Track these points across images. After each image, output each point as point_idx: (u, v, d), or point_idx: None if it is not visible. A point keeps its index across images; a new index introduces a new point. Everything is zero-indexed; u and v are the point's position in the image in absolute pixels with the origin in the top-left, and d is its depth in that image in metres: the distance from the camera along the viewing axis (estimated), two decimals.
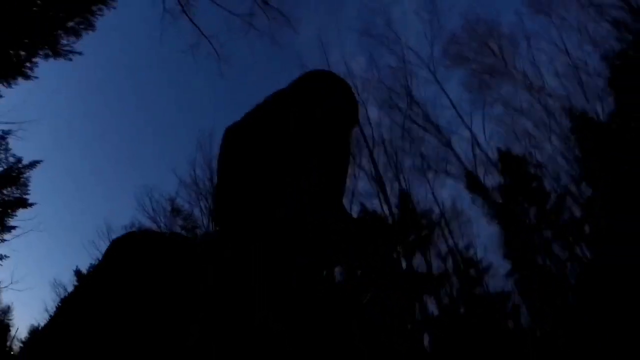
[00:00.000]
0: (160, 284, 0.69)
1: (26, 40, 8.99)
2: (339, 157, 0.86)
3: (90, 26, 9.46)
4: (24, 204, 12.97)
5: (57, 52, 9.38)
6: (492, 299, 13.75)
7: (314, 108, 0.83)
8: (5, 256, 11.89)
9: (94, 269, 0.78)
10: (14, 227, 12.56)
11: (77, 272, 19.54)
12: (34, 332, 19.79)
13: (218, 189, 0.85)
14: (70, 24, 9.19)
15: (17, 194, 12.82)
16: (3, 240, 12.05)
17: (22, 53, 9.10)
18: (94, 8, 9.27)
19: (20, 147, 12.92)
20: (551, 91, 15.71)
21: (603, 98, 13.08)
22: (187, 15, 10.53)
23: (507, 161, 15.29)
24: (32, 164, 12.73)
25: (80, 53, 9.49)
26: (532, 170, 14.95)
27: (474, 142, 16.70)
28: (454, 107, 17.17)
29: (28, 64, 9.29)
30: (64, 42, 9.32)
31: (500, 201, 14.69)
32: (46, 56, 9.32)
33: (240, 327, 0.65)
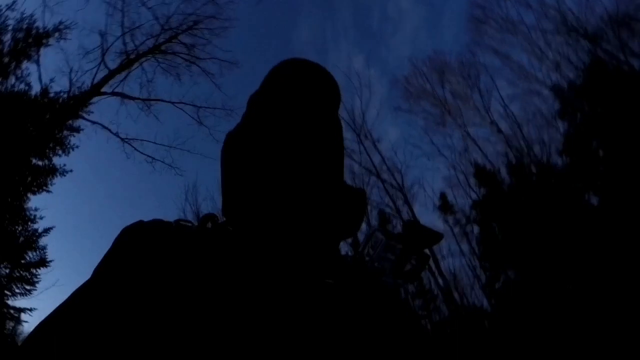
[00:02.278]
0: (166, 274, 0.67)
1: None
2: (331, 140, 0.84)
3: None
4: (44, 263, 14.46)
5: None
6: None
7: (293, 99, 0.80)
8: (34, 308, 13.54)
9: (103, 258, 0.74)
10: (37, 282, 14.08)
11: None
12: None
13: (223, 188, 0.84)
14: None
15: (37, 256, 14.26)
16: (30, 292, 13.49)
17: None
18: None
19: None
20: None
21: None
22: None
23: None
24: (46, 230, 14.02)
25: None
26: None
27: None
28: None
29: None
30: None
31: None
32: None
33: (243, 321, 0.63)
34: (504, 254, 14.48)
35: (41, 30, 10.30)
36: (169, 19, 11.64)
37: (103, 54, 10.67)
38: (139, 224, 0.78)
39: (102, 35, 10.48)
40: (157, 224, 0.78)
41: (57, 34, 10.58)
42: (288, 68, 0.84)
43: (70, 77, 10.60)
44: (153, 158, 10.74)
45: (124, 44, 10.73)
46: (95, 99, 10.82)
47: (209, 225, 0.82)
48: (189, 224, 0.81)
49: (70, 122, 10.33)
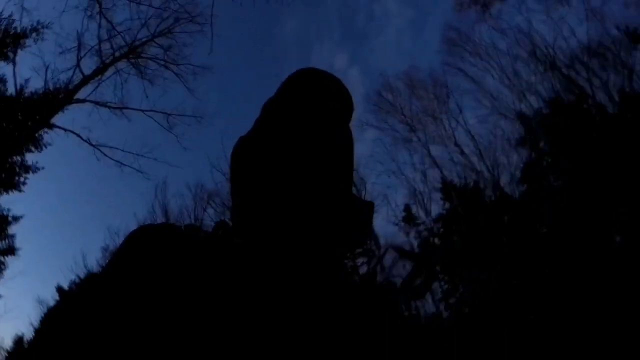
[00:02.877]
0: (172, 277, 0.67)
1: None
2: (342, 152, 0.83)
3: None
4: (12, 251, 14.84)
5: None
6: None
7: (308, 109, 0.82)
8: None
9: (109, 259, 0.74)
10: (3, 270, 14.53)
11: (59, 289, 20.89)
12: (20, 339, 21.18)
13: (231, 192, 0.84)
14: None
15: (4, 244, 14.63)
16: None
17: None
18: None
19: None
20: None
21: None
22: None
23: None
24: (15, 218, 14.33)
25: None
26: None
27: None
28: None
29: None
30: None
31: None
32: None
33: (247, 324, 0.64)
34: (462, 268, 15.20)
35: (19, 31, 10.57)
36: (146, 22, 11.85)
37: (78, 60, 10.94)
38: (148, 227, 0.78)
39: (78, 39, 10.69)
40: (166, 227, 0.79)
41: (34, 34, 10.85)
42: (304, 77, 0.87)
43: (46, 79, 10.90)
44: (121, 163, 11.15)
45: (99, 48, 10.96)
46: (68, 106, 11.16)
47: (220, 232, 0.82)
48: (198, 230, 0.81)
49: (44, 130, 10.65)
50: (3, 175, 10.61)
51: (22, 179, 11.13)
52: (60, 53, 11.08)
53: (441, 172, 17.04)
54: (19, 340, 21.82)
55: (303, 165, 0.77)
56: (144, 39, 11.99)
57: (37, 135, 10.59)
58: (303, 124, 0.80)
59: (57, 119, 11.06)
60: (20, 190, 11.28)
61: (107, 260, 0.76)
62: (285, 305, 0.67)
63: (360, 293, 0.78)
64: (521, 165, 14.11)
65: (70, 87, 11.14)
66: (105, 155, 11.00)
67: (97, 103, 11.36)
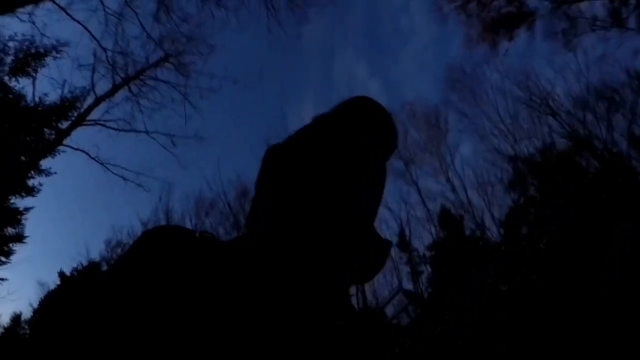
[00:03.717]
0: (183, 281, 0.67)
1: None
2: (377, 183, 0.83)
3: None
4: (20, 239, 15.78)
5: None
6: None
7: (357, 134, 0.82)
8: (5, 279, 15.02)
9: (121, 257, 0.74)
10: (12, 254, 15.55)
11: (61, 274, 21.88)
12: (18, 317, 22.29)
13: (254, 199, 0.83)
14: None
15: (14, 232, 15.57)
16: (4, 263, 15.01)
17: None
18: None
19: None
20: None
21: None
22: None
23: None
24: (27, 209, 15.27)
25: None
26: None
27: None
28: None
29: None
30: None
31: None
32: None
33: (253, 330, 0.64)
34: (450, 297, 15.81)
35: (41, 50, 11.47)
36: (160, 42, 12.64)
37: (93, 82, 11.82)
38: (162, 229, 0.77)
39: (94, 63, 11.52)
40: (179, 230, 0.77)
41: (54, 53, 11.76)
42: (360, 105, 0.90)
43: (62, 95, 11.85)
44: (124, 179, 12.34)
45: (113, 70, 11.77)
46: (79, 128, 12.18)
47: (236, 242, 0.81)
48: (212, 237, 0.81)
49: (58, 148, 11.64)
50: (17, 181, 11.55)
51: (36, 183, 12.28)
52: (79, 66, 11.92)
53: (426, 208, 17.65)
54: (16, 318, 23.00)
55: (333, 190, 0.76)
56: (154, 62, 12.86)
57: (53, 150, 11.59)
58: (344, 150, 0.80)
59: (68, 140, 12.14)
60: (33, 195, 12.36)
61: (121, 254, 0.75)
62: (286, 321, 0.66)
63: (361, 323, 0.77)
64: (508, 208, 14.66)
65: (83, 109, 12.23)
66: (110, 170, 11.92)
67: (105, 125, 12.39)
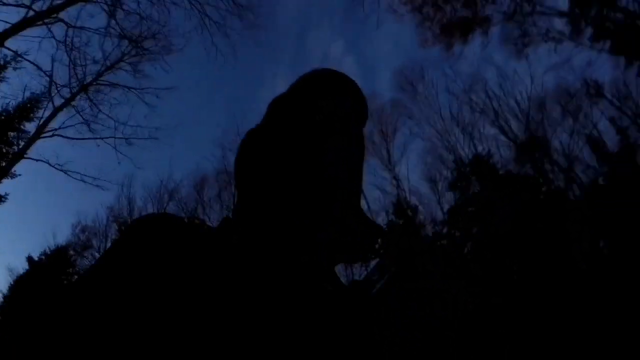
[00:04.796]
0: (173, 269, 0.65)
1: None
2: (351, 154, 0.80)
3: None
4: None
5: None
6: None
7: (319, 111, 0.79)
8: None
9: (110, 247, 0.72)
10: None
11: (29, 259, 22.27)
12: None
13: (236, 186, 0.82)
14: None
15: None
16: None
17: None
18: None
19: None
20: None
21: None
22: None
23: None
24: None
25: None
26: None
27: None
28: None
29: None
30: None
31: None
32: None
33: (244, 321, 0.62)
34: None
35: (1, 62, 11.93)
36: (118, 45, 13.20)
37: (50, 93, 12.65)
38: (150, 217, 0.75)
39: (51, 73, 12.06)
40: (168, 218, 0.75)
41: (13, 63, 12.29)
42: (318, 77, 0.85)
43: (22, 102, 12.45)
44: (84, 181, 13.29)
45: (69, 79, 12.36)
46: (38, 141, 13.01)
47: (224, 228, 0.80)
48: (201, 223, 0.80)
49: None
50: None
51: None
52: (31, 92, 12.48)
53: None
54: None
55: (310, 168, 0.75)
56: (110, 64, 13.59)
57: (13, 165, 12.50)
58: (313, 125, 0.78)
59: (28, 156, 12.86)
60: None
61: (109, 246, 0.73)
62: (275, 308, 0.65)
63: (348, 302, 0.75)
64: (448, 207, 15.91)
65: (41, 120, 13.06)
66: (71, 176, 12.86)
67: (62, 136, 13.28)
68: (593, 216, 13.65)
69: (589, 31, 15.07)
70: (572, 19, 15.39)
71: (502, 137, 16.88)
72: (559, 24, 16.04)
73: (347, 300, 0.75)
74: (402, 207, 18.49)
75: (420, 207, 17.31)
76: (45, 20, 10.78)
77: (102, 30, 12.31)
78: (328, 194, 0.76)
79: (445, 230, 15.75)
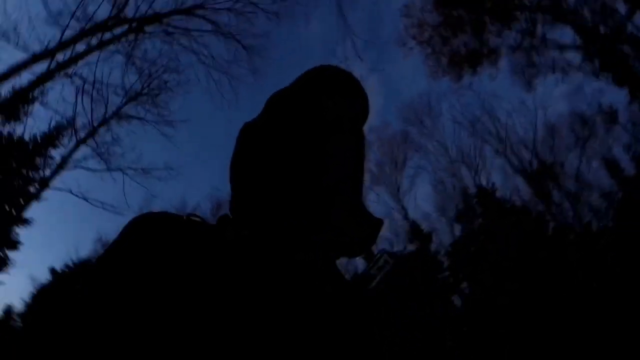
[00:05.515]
0: (169, 269, 0.65)
1: None
2: (352, 154, 0.81)
3: None
4: (15, 245, 17.28)
5: None
6: None
7: (327, 110, 0.78)
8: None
9: (109, 247, 0.72)
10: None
11: (52, 270, 23.31)
12: (9, 308, 23.75)
13: (232, 182, 0.81)
14: None
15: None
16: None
17: None
18: None
19: None
20: None
21: None
22: None
23: None
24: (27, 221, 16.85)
25: None
26: None
27: None
28: None
29: None
30: None
31: None
32: None
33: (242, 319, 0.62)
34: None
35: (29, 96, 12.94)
36: (132, 85, 14.13)
37: (75, 126, 13.63)
38: (149, 215, 0.76)
39: (74, 109, 13.00)
40: (166, 216, 0.76)
41: (40, 97, 13.24)
42: (324, 75, 0.83)
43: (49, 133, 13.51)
44: (104, 208, 14.25)
45: (91, 113, 13.30)
46: (63, 172, 14.23)
47: (222, 225, 0.79)
48: (199, 220, 0.79)
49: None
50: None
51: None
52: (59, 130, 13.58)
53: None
54: (7, 310, 24.45)
55: (311, 169, 0.74)
56: (129, 97, 14.47)
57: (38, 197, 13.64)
58: (320, 124, 0.77)
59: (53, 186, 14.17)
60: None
61: (108, 245, 0.73)
62: (279, 304, 0.64)
63: (350, 295, 0.75)
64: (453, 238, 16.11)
65: (66, 153, 14.31)
66: (92, 204, 13.95)
67: (84, 168, 14.63)
68: (596, 253, 13.68)
69: (597, 62, 15.22)
70: (582, 51, 15.58)
71: (510, 168, 17.05)
72: (568, 55, 16.04)
73: (342, 300, 0.73)
74: (417, 232, 18.65)
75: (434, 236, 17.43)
76: (67, 71, 11.77)
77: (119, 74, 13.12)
78: (328, 199, 0.75)
79: (446, 264, 15.96)
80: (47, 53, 11.08)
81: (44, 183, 13.83)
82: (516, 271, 13.75)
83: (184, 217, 0.78)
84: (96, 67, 12.22)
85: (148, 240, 0.71)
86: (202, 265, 0.67)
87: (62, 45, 11.19)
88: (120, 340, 0.60)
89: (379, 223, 0.83)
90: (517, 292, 13.45)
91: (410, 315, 13.39)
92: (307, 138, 0.76)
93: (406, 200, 19.36)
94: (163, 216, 0.77)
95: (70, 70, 11.62)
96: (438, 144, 18.96)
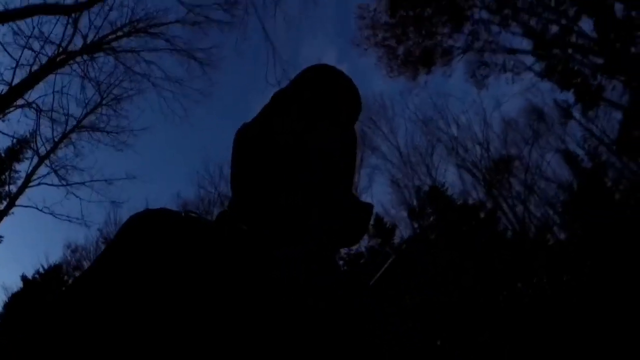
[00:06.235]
0: (172, 265, 0.66)
1: None
2: (347, 150, 0.84)
3: None
4: None
5: None
6: None
7: (317, 102, 0.81)
8: None
9: (108, 245, 0.72)
10: None
11: (24, 277, 23.36)
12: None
13: (231, 181, 0.83)
14: None
15: None
16: None
17: None
18: None
19: None
20: None
21: None
22: None
23: None
24: None
25: None
26: None
27: None
28: None
29: None
30: None
31: None
32: None
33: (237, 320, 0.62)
34: None
35: None
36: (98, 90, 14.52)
37: (37, 148, 14.19)
38: (147, 212, 0.76)
39: (35, 128, 13.50)
40: (165, 213, 0.77)
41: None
42: (317, 72, 0.88)
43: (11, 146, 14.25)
44: (70, 221, 14.60)
45: (52, 129, 13.78)
46: (26, 190, 14.60)
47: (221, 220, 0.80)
48: (197, 216, 0.80)
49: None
50: None
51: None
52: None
53: None
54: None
55: (303, 160, 0.77)
56: (88, 111, 14.93)
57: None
58: (308, 119, 0.80)
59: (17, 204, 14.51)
60: None
61: (107, 243, 0.74)
62: (277, 299, 0.65)
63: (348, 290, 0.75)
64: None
65: (28, 171, 14.66)
66: (58, 217, 14.31)
67: (47, 184, 14.81)
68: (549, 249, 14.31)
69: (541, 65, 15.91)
70: (531, 53, 16.25)
71: (462, 167, 17.84)
72: (519, 56, 16.73)
73: (336, 295, 0.72)
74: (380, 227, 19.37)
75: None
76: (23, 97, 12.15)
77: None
78: (307, 196, 0.77)
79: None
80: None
81: (12, 201, 14.28)
82: (467, 268, 14.44)
83: (182, 214, 0.79)
84: (53, 87, 12.74)
85: (148, 237, 0.71)
86: (201, 261, 0.69)
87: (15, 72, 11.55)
88: (120, 338, 0.60)
89: (368, 207, 0.84)
90: (470, 289, 14.10)
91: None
92: (285, 135, 0.78)
93: (365, 198, 19.72)
94: (162, 213, 0.77)
95: (26, 95, 12.04)
96: (391, 145, 19.47)
